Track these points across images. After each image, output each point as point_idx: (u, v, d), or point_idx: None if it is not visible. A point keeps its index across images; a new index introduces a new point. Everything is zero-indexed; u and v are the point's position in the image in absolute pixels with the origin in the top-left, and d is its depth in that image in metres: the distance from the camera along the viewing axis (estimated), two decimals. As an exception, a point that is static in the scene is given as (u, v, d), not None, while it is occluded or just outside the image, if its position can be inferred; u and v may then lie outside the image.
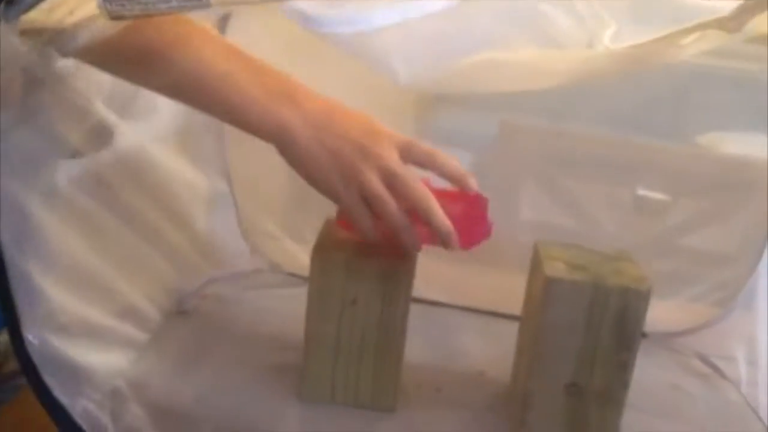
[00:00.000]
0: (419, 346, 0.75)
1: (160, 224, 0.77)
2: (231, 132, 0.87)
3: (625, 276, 0.63)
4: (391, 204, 0.55)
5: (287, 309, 0.72)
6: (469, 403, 0.71)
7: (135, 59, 0.52)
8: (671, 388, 0.77)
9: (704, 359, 0.83)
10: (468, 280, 0.93)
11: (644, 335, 0.85)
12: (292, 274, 0.91)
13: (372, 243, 0.64)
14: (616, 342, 0.63)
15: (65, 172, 0.61)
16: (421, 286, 0.83)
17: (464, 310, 0.89)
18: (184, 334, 0.77)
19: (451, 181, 0.60)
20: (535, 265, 0.67)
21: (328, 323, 0.66)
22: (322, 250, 0.65)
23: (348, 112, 0.56)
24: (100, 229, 0.67)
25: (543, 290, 0.63)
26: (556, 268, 0.64)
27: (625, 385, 0.64)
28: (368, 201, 0.55)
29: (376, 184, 0.54)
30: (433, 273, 0.89)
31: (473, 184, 0.59)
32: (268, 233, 0.95)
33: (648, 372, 0.78)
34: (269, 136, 0.53)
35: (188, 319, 0.80)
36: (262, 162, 0.91)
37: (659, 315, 0.86)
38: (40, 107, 0.54)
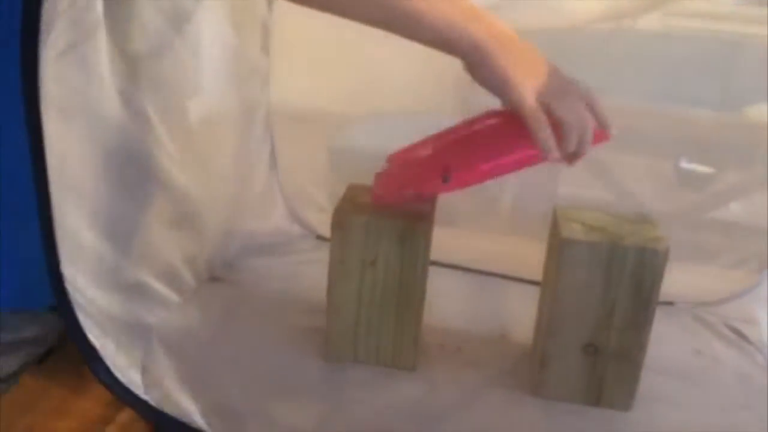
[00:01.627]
0: (443, 309, 0.77)
1: (201, 193, 0.80)
2: (278, 119, 0.91)
3: (642, 237, 0.64)
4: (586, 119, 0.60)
5: (316, 273, 0.74)
6: (490, 364, 0.72)
7: None
8: (694, 354, 0.77)
9: (729, 325, 0.82)
10: (501, 249, 0.94)
11: (671, 304, 0.86)
12: (322, 237, 0.93)
13: (394, 205, 0.66)
14: (633, 302, 0.63)
15: (115, 138, 0.65)
16: (452, 253, 0.86)
17: (489, 275, 0.90)
18: (215, 298, 0.80)
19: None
20: (554, 228, 0.68)
21: (349, 284, 0.68)
22: (342, 212, 0.67)
23: (522, 41, 0.62)
24: (144, 192, 0.71)
25: (560, 252, 0.64)
26: (572, 230, 0.64)
27: (642, 346, 0.65)
28: (550, 109, 0.59)
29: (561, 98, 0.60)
30: (467, 241, 0.91)
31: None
32: (317, 204, 0.97)
33: (671, 338, 0.78)
34: (464, 53, 0.59)
35: (220, 285, 0.83)
36: (307, 143, 0.94)
37: (687, 283, 0.86)
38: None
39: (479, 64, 0.59)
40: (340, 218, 0.67)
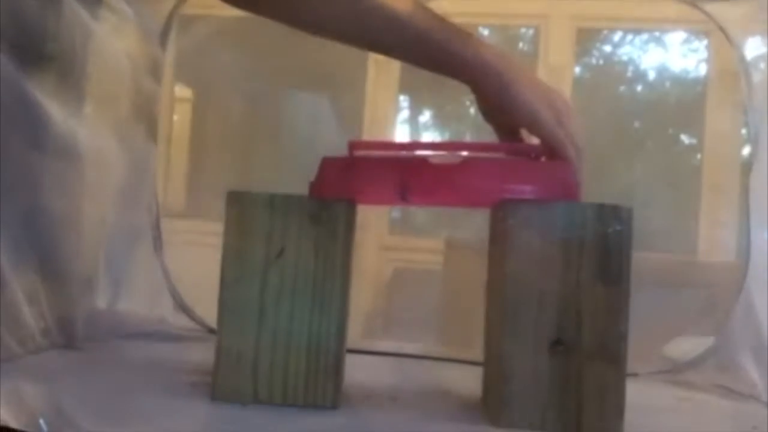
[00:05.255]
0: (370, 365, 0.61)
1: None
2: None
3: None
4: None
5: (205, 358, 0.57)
6: (432, 409, 0.55)
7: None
8: (679, 401, 0.63)
9: (712, 383, 0.69)
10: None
11: (634, 375, 0.72)
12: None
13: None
14: (600, 278, 0.51)
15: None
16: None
17: (421, 358, 0.75)
18: (68, 359, 0.61)
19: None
20: (495, 212, 0.57)
21: (248, 284, 0.53)
22: (240, 192, 0.54)
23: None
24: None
25: (506, 218, 0.52)
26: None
27: (621, 336, 0.51)
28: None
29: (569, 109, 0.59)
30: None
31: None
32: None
33: (648, 394, 0.64)
34: (480, 77, 0.58)
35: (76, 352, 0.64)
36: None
37: (643, 352, 0.74)
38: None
39: (498, 87, 0.57)
40: (238, 196, 0.54)
